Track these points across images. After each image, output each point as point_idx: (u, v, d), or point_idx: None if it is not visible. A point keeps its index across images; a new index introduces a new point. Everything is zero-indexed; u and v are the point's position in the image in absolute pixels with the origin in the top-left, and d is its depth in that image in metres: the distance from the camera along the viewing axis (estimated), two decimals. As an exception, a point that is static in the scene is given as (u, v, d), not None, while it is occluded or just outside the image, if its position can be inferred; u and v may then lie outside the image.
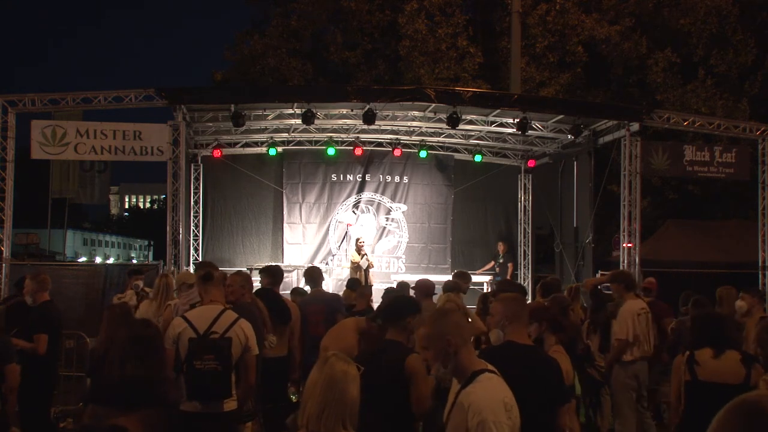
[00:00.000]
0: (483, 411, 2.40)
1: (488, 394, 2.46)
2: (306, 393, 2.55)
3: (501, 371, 2.75)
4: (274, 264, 9.24)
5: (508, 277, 13.59)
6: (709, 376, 3.81)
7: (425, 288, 6.21)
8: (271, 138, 13.40)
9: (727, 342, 3.98)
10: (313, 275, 6.88)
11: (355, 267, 12.15)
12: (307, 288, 7.26)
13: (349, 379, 2.53)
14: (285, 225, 13.83)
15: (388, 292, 6.89)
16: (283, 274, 6.49)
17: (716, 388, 3.75)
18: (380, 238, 14.22)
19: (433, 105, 11.40)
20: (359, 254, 12.23)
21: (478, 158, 13.99)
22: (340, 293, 11.82)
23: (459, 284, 6.96)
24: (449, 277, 12.32)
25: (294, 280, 12.34)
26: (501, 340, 3.41)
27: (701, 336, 4.06)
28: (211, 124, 12.48)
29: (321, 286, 7.00)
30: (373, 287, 9.96)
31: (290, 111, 11.69)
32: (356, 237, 13.00)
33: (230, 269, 10.73)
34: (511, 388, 2.61)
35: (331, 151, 13.32)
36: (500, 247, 14.22)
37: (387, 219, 14.26)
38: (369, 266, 12.36)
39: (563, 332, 4.63)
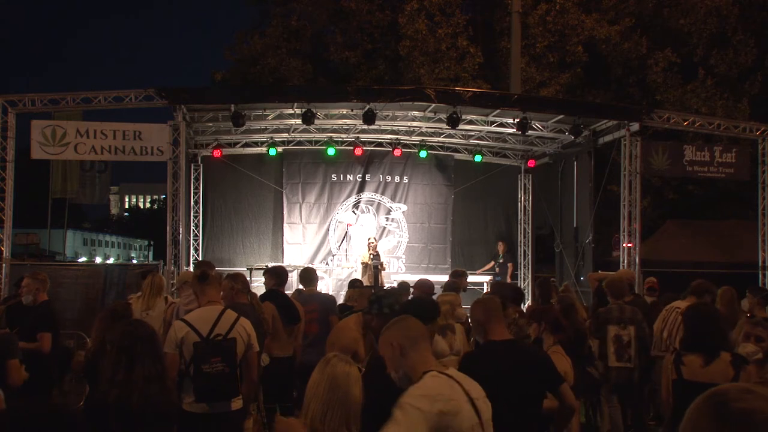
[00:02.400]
0: (404, 397, 2.32)
1: (420, 387, 2.36)
2: (308, 394, 2.55)
3: (483, 371, 2.82)
4: (278, 265, 9.24)
5: (509, 277, 13.61)
6: (694, 375, 3.78)
7: (426, 288, 6.21)
8: (271, 138, 13.40)
9: (719, 344, 3.86)
10: (309, 275, 6.88)
11: (365, 266, 12.16)
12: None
13: (352, 380, 2.53)
14: (285, 225, 13.82)
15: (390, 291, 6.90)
16: (287, 274, 6.50)
17: (702, 388, 3.68)
18: (380, 238, 14.19)
19: (433, 105, 11.40)
20: (369, 254, 12.22)
21: (478, 158, 13.98)
22: (341, 293, 11.90)
23: (458, 283, 6.97)
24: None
25: (294, 280, 12.32)
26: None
27: (692, 338, 3.95)
28: (211, 124, 12.47)
29: (316, 287, 7.01)
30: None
31: (290, 111, 11.69)
32: (367, 237, 13.03)
33: (230, 269, 10.74)
34: (495, 386, 2.62)
35: (331, 151, 13.31)
36: (500, 247, 14.21)
37: (387, 219, 14.26)
38: (380, 267, 12.33)
39: (563, 333, 4.63)
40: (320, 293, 7.39)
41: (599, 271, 10.49)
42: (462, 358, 3.73)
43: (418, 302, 3.93)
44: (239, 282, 5.22)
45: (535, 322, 4.66)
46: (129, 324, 3.36)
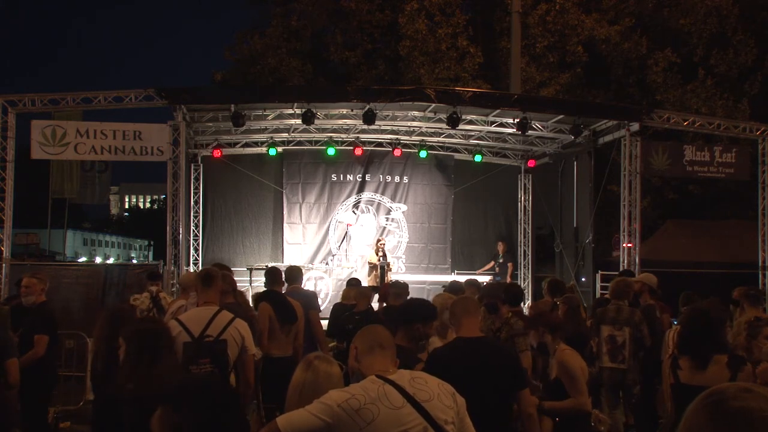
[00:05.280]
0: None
1: (346, 388, 2.42)
2: (290, 394, 2.57)
3: (446, 366, 3.01)
4: (272, 266, 9.24)
5: (508, 277, 13.60)
6: (691, 379, 3.76)
7: (401, 289, 6.24)
8: (271, 138, 13.40)
9: (714, 347, 3.81)
10: (293, 273, 6.87)
11: (372, 267, 12.15)
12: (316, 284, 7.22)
13: (334, 380, 2.56)
14: (285, 225, 13.81)
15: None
16: (280, 273, 6.47)
17: (699, 391, 3.61)
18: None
19: (433, 105, 11.40)
20: (377, 254, 12.21)
21: (478, 158, 13.98)
22: (341, 293, 11.91)
23: (461, 287, 6.97)
24: (449, 277, 12.39)
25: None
26: None
27: (687, 342, 3.91)
28: (211, 124, 12.48)
29: (300, 284, 7.00)
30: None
31: (290, 111, 11.69)
32: (377, 239, 13.02)
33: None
34: (460, 380, 2.68)
35: (331, 151, 13.32)
36: (500, 247, 14.21)
37: (387, 219, 14.26)
38: (387, 268, 12.30)
39: (563, 331, 4.57)
40: (303, 290, 7.38)
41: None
42: (428, 355, 3.76)
43: (415, 304, 3.95)
44: (225, 282, 5.14)
45: (532, 329, 4.61)
46: (146, 321, 3.36)
